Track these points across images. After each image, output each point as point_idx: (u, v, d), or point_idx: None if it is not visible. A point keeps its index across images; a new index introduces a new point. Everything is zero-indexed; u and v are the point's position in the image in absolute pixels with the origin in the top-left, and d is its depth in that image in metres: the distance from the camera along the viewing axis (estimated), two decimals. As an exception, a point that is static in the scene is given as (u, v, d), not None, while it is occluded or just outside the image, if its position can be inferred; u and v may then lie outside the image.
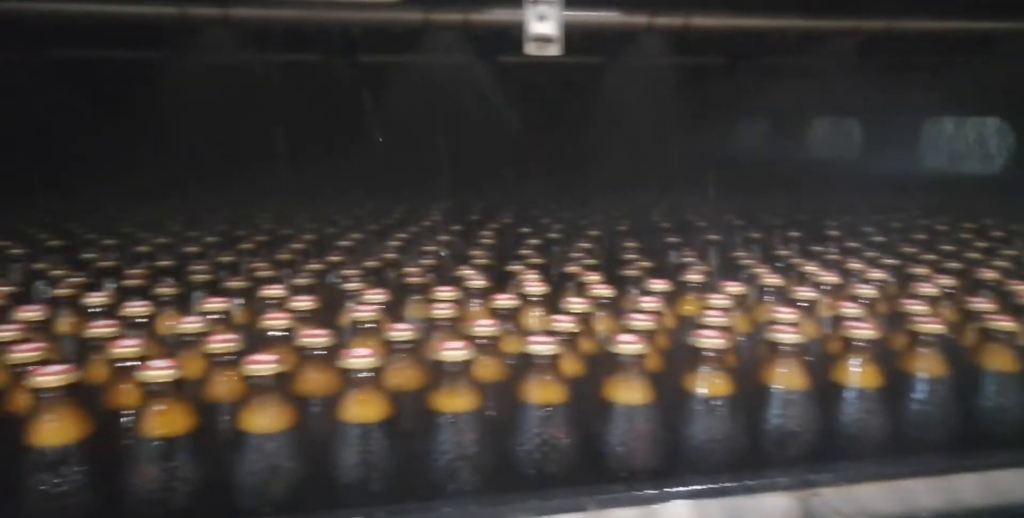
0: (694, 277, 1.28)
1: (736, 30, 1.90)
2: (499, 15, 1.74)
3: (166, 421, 0.79)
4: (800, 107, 2.68)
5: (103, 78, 2.13)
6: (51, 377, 0.77)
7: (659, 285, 1.23)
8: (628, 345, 0.88)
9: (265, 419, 0.81)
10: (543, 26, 1.32)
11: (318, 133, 2.32)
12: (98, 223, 1.98)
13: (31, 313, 1.01)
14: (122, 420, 0.85)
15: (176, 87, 2.04)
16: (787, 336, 0.92)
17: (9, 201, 2.09)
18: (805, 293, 1.16)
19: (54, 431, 0.78)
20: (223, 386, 0.89)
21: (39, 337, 0.95)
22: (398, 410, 0.86)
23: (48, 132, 2.09)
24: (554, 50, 1.39)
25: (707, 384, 0.90)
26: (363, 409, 0.83)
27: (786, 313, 1.02)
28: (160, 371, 0.79)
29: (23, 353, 0.84)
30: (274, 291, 1.22)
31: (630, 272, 1.39)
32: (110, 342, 0.89)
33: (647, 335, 0.94)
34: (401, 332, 0.94)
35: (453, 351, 0.86)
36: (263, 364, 0.81)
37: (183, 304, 1.28)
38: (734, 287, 1.23)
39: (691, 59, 2.22)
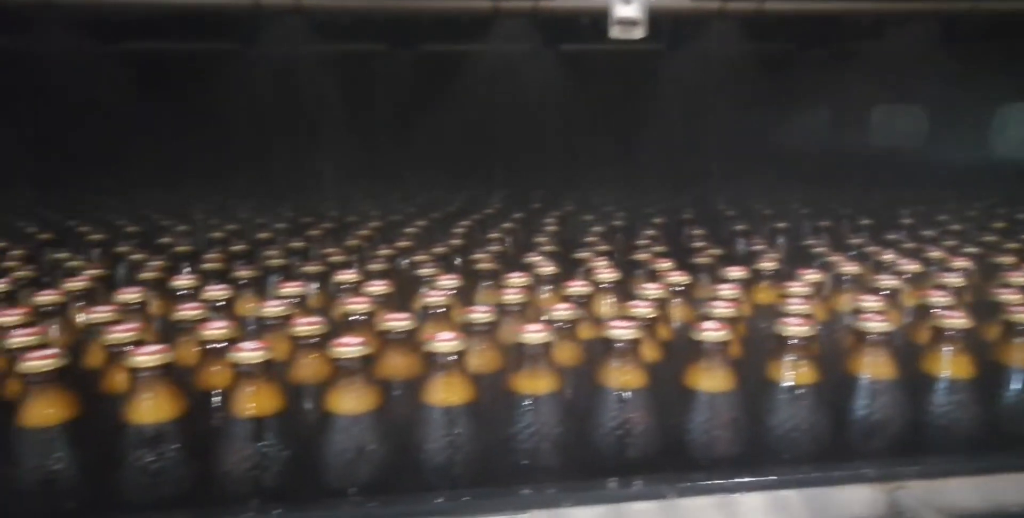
0: (768, 265, 1.26)
1: (811, 14, 1.86)
2: (569, 2, 1.73)
3: (256, 401, 0.81)
4: (869, 94, 2.60)
5: (177, 68, 2.18)
6: (149, 357, 0.80)
7: (736, 272, 1.21)
8: (712, 332, 0.87)
9: (351, 401, 0.82)
10: (628, 9, 1.30)
11: (381, 123, 2.33)
12: (169, 209, 2.04)
13: (127, 295, 1.04)
14: (212, 400, 0.87)
15: (246, 77, 2.08)
16: (876, 324, 0.89)
17: (84, 187, 2.16)
18: (888, 281, 1.13)
19: (150, 409, 0.80)
20: (307, 368, 0.91)
21: (134, 319, 0.98)
22: (479, 393, 0.87)
23: (123, 121, 2.15)
24: (639, 33, 1.37)
25: (792, 372, 0.88)
26: (448, 392, 0.83)
27: (872, 301, 0.99)
28: (251, 353, 0.80)
29: (121, 334, 0.87)
30: (349, 276, 1.23)
31: (702, 259, 1.38)
32: (199, 324, 0.92)
33: (728, 322, 0.93)
34: (480, 315, 0.95)
35: (535, 333, 0.86)
36: (351, 347, 0.82)
37: (259, 288, 1.31)
38: (811, 275, 1.21)
39: (759, 46, 2.17)
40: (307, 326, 0.90)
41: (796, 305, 0.99)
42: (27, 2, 1.61)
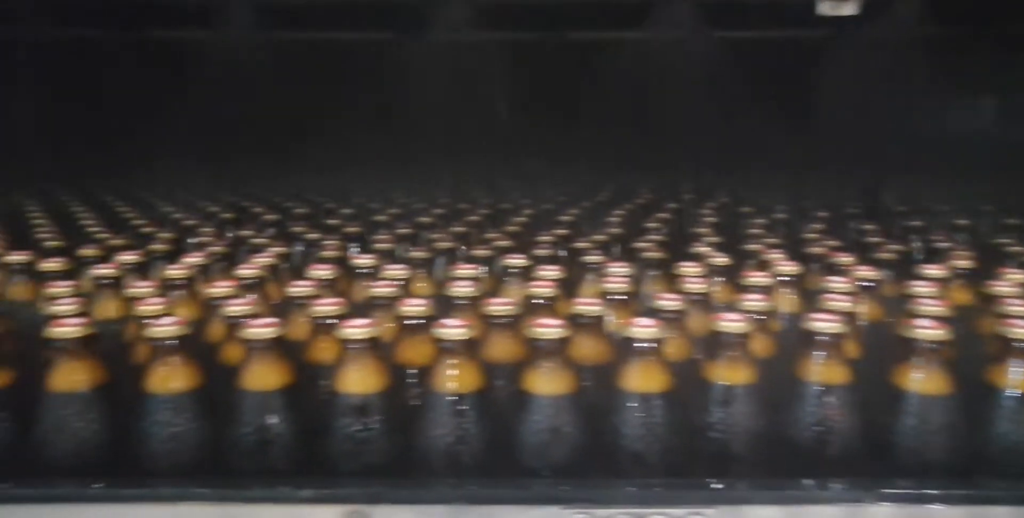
0: (963, 263, 1.19)
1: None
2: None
3: (457, 378, 0.83)
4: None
5: (342, 57, 2.26)
6: (358, 330, 0.83)
7: (934, 270, 1.14)
8: (929, 330, 0.82)
9: (549, 382, 0.83)
10: (840, -15, 1.24)
11: (531, 112, 2.34)
12: (333, 193, 2.13)
13: (322, 272, 1.09)
14: (411, 375, 0.90)
15: (409, 66, 2.14)
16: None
17: (255, 172, 2.28)
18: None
19: (358, 380, 0.83)
20: (498, 347, 0.92)
21: (329, 293, 1.02)
22: (673, 381, 0.85)
23: (289, 109, 2.26)
24: (850, 9, 1.31)
25: (1020, 378, 0.82)
26: (645, 379, 0.82)
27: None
28: (456, 330, 0.82)
29: (327, 307, 0.90)
30: (518, 260, 1.24)
31: (884, 255, 1.32)
32: (398, 301, 0.95)
33: (939, 321, 0.87)
34: (670, 302, 0.93)
35: (734, 322, 0.84)
36: (551, 328, 0.82)
37: (429, 269, 1.34)
38: (1016, 274, 1.12)
39: (934, 29, 2.04)
40: (501, 306, 0.91)
41: (1014, 306, 0.92)
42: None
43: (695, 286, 1.03)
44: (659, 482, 0.84)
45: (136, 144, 2.20)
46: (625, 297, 1.04)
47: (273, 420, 0.83)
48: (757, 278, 1.09)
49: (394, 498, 0.83)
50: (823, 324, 0.84)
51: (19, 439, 0.87)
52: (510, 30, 2.17)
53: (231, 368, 0.92)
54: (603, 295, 1.02)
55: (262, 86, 2.21)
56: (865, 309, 1.06)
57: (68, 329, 0.83)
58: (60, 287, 1.02)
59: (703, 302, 1.02)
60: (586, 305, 0.92)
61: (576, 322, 0.91)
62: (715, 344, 0.85)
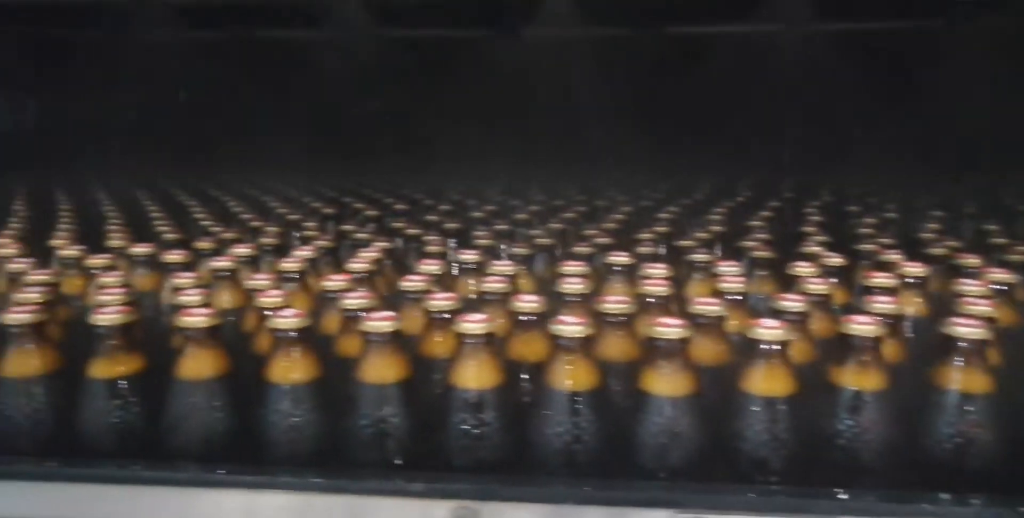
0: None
1: None
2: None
3: (575, 376, 0.82)
4: None
5: (438, 56, 2.28)
6: (476, 325, 0.82)
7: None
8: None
9: (668, 383, 0.81)
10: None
11: (627, 109, 2.31)
12: (425, 189, 2.15)
13: (432, 267, 1.10)
14: (525, 371, 0.89)
15: (499, 63, 2.15)
16: None
17: (352, 169, 2.33)
18: None
19: (474, 376, 0.83)
20: (614, 346, 0.90)
21: (442, 288, 1.03)
22: (798, 385, 0.82)
23: (372, 106, 2.30)
24: None
25: None
26: (770, 382, 0.79)
27: None
28: (575, 327, 0.81)
29: (442, 302, 0.91)
30: (621, 258, 1.22)
31: (1014, 258, 1.24)
32: (509, 297, 0.94)
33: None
34: (794, 304, 0.89)
35: (866, 326, 0.80)
36: (671, 328, 0.80)
37: (530, 265, 1.33)
38: None
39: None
40: (616, 304, 0.89)
41: None
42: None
43: (815, 287, 0.99)
44: (781, 490, 0.80)
45: (244, 141, 2.28)
46: (741, 297, 1.00)
47: (388, 413, 0.84)
48: (881, 279, 1.04)
49: (505, 495, 0.82)
50: (966, 330, 0.79)
51: (148, 424, 0.90)
52: (609, 26, 2.15)
53: (346, 360, 0.93)
54: (718, 295, 0.99)
55: (362, 85, 2.25)
56: (1000, 314, 1.00)
57: (197, 319, 0.86)
58: (185, 278, 1.05)
59: (824, 304, 0.98)
60: (706, 305, 0.89)
61: (694, 322, 0.88)
62: (844, 348, 0.81)
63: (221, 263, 1.14)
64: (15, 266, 1.13)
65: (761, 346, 0.79)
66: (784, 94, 2.23)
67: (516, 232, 1.61)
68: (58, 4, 2.06)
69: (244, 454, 0.89)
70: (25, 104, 2.67)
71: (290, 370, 0.85)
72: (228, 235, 1.47)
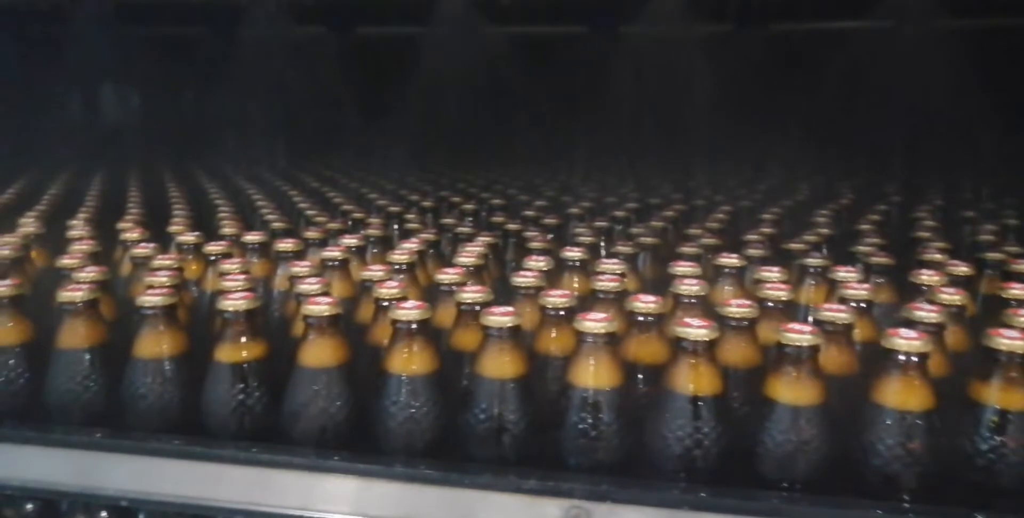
0: None
1: None
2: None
3: (698, 380, 0.80)
4: None
5: (542, 51, 2.28)
6: (597, 323, 0.81)
7: None
8: None
9: (795, 391, 0.78)
10: None
11: (725, 107, 2.26)
12: (519, 184, 2.15)
13: (540, 263, 1.09)
14: (642, 372, 0.88)
15: (596, 61, 2.13)
16: None
17: (450, 163, 2.35)
18: None
19: (592, 375, 0.82)
20: (734, 351, 0.88)
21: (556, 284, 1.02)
22: (936, 398, 0.78)
23: (488, 103, 2.31)
24: None
25: None
26: (909, 395, 0.76)
27: None
28: (701, 330, 0.79)
29: (559, 299, 0.90)
30: (731, 260, 1.19)
31: None
32: (625, 296, 0.93)
33: None
34: (928, 314, 0.85)
35: (1014, 341, 0.76)
36: (801, 334, 0.78)
37: (633, 264, 1.31)
38: None
39: None
40: (739, 308, 0.87)
41: None
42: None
43: (949, 297, 0.94)
44: (912, 508, 0.77)
45: (347, 135, 2.33)
46: (864, 305, 0.96)
47: (504, 408, 0.84)
48: (1020, 291, 0.99)
49: (619, 497, 0.81)
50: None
51: (268, 408, 0.93)
52: (709, 24, 2.11)
53: (457, 353, 0.94)
54: (843, 301, 0.96)
55: (462, 82, 2.27)
56: None
57: (321, 307, 0.87)
58: (302, 266, 1.07)
59: (958, 315, 0.93)
60: (833, 312, 0.86)
61: (822, 329, 0.85)
62: (988, 363, 0.77)
63: (333, 253, 1.16)
64: (141, 251, 1.18)
65: (898, 357, 0.75)
66: (892, 93, 2.14)
67: (613, 229, 1.59)
68: (175, 3, 2.15)
69: (359, 442, 0.91)
70: (130, 98, 2.80)
71: (410, 361, 0.86)
72: (333, 226, 1.50)
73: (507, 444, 0.85)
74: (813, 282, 1.17)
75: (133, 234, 1.32)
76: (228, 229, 1.41)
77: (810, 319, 0.94)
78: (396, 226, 1.58)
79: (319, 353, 0.88)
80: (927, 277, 1.06)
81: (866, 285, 1.00)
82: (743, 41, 2.23)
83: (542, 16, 2.13)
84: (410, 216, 1.64)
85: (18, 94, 2.57)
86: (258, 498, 0.91)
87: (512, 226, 1.55)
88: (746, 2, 2.03)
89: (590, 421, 0.82)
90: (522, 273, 1.02)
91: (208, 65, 2.44)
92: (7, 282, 0.98)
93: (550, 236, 1.52)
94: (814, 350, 0.78)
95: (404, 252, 1.16)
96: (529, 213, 1.73)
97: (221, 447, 0.90)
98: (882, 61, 2.10)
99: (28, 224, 1.46)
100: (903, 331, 0.77)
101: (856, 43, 2.10)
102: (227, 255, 1.20)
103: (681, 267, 1.10)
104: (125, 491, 0.94)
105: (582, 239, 1.40)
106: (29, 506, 1.08)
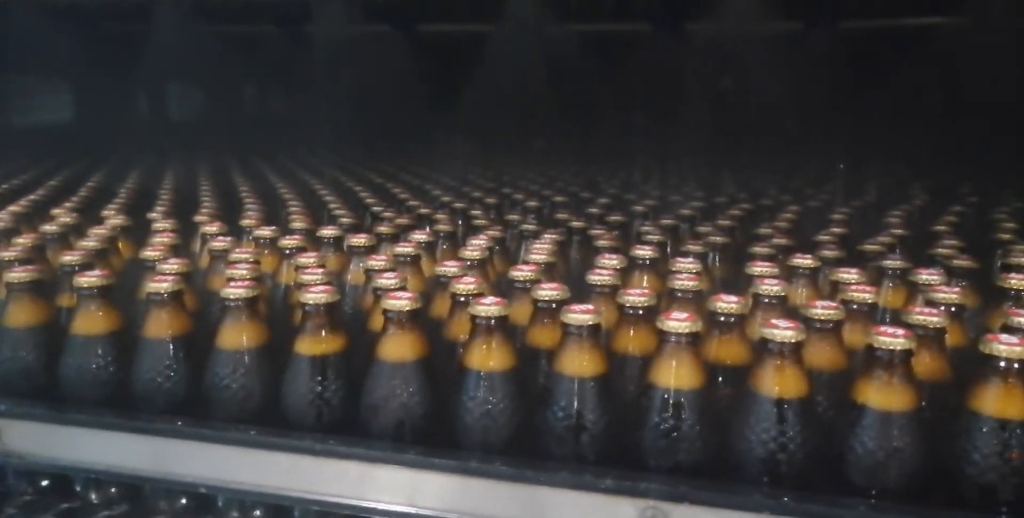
0: None
1: None
2: None
3: (783, 382, 0.78)
4: None
5: (614, 47, 2.27)
6: (681, 323, 0.81)
7: None
8: None
9: (889, 396, 0.76)
10: None
11: (795, 106, 2.22)
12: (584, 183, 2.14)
13: (614, 261, 1.09)
14: (723, 373, 0.87)
15: (662, 58, 2.11)
16: None
17: (506, 160, 2.35)
18: None
19: (674, 375, 0.81)
20: (820, 355, 0.86)
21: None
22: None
23: (535, 101, 2.31)
24: None
25: None
26: (1010, 403, 0.73)
27: None
28: (787, 331, 0.77)
29: (638, 298, 0.89)
30: (805, 261, 1.16)
31: None
32: (702, 296, 0.92)
33: None
34: (1025, 320, 0.82)
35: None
36: (896, 338, 0.75)
37: (704, 262, 1.30)
38: None
39: None
40: (824, 310, 0.85)
41: None
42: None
43: (1042, 301, 0.91)
44: (1007, 518, 0.74)
45: (410, 132, 2.34)
46: (954, 309, 0.93)
47: (585, 407, 0.83)
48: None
49: (698, 499, 0.80)
50: None
51: (345, 401, 0.94)
52: (778, 21, 2.07)
53: (534, 350, 0.93)
54: (931, 305, 0.93)
55: (523, 77, 2.27)
56: None
57: (400, 302, 0.88)
58: (378, 261, 1.08)
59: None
60: (926, 315, 0.83)
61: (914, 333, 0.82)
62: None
63: (406, 248, 1.17)
64: (219, 244, 1.20)
65: (1000, 364, 0.73)
66: (966, 91, 2.07)
67: (680, 227, 1.57)
68: (247, 2, 2.19)
69: (436, 436, 0.91)
70: (200, 95, 2.87)
71: (488, 357, 0.86)
72: (401, 221, 1.51)
73: (585, 443, 0.85)
74: (891, 284, 1.14)
75: (212, 228, 1.34)
76: (298, 223, 1.43)
77: (897, 322, 0.92)
78: (460, 222, 1.59)
79: (398, 348, 0.89)
80: (1017, 281, 1.03)
81: (955, 289, 0.96)
82: (812, 38, 2.17)
83: (607, 13, 2.11)
84: (475, 212, 1.64)
85: (95, 91, 2.66)
86: (332, 489, 0.92)
87: (576, 223, 1.54)
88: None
89: (672, 422, 0.81)
90: (598, 271, 1.01)
91: (275, 63, 2.48)
92: (96, 273, 1.01)
93: (615, 233, 1.51)
94: (908, 354, 0.75)
95: (476, 248, 1.17)
96: (593, 210, 1.72)
97: (299, 438, 0.91)
98: (956, 59, 2.03)
99: (113, 216, 1.50)
100: (1004, 337, 0.74)
101: (929, 40, 2.03)
102: (302, 249, 1.22)
103: (759, 267, 1.08)
104: (204, 478, 0.96)
105: (650, 237, 1.39)
106: (112, 490, 1.12)
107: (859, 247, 1.36)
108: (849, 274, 1.05)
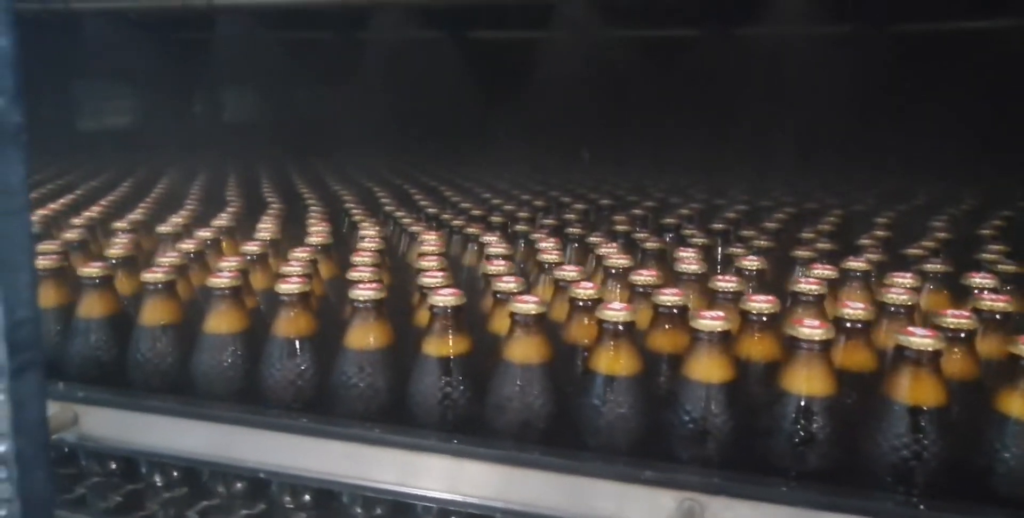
0: None
1: None
2: None
3: (809, 379, 0.81)
4: None
5: (663, 51, 2.29)
6: (715, 323, 0.84)
7: None
8: None
9: (917, 394, 0.78)
10: None
11: (841, 110, 2.21)
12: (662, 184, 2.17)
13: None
14: (758, 370, 0.90)
15: (711, 63, 2.12)
16: None
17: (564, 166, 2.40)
18: None
19: (707, 371, 0.84)
20: (857, 353, 0.88)
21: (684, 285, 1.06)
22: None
23: (583, 105, 2.34)
24: None
25: None
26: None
27: None
28: (816, 330, 0.80)
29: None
30: (860, 264, 1.17)
31: None
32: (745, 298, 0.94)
33: None
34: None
35: None
36: (925, 339, 0.77)
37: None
38: None
39: None
40: (954, 318, 0.86)
41: None
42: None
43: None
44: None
45: (461, 135, 2.40)
46: (998, 315, 0.94)
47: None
48: None
49: (735, 492, 0.81)
50: None
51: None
52: (828, 24, 2.06)
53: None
54: (974, 310, 0.94)
55: (571, 82, 2.30)
56: None
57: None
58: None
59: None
60: (958, 318, 0.85)
61: (946, 337, 0.84)
62: None
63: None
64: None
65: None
66: (1017, 96, 2.04)
67: (728, 230, 1.59)
68: (305, 9, 2.26)
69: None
70: (259, 99, 2.96)
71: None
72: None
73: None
74: (932, 287, 1.15)
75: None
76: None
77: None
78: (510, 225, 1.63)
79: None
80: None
81: (1004, 297, 0.97)
82: (862, 42, 2.17)
83: (657, 18, 2.13)
84: (522, 215, 1.68)
85: (159, 96, 2.77)
86: (381, 476, 0.95)
87: (622, 227, 1.57)
88: (866, 2, 1.98)
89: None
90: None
91: (331, 68, 2.55)
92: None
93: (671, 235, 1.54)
94: (936, 355, 0.77)
95: (550, 252, 1.20)
96: (638, 212, 1.74)
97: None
98: (1006, 63, 2.01)
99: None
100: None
101: (978, 44, 2.01)
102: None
103: (817, 270, 1.09)
104: (262, 463, 0.99)
105: (695, 241, 1.41)
106: (174, 474, 1.17)
107: (900, 251, 1.36)
108: (902, 279, 1.06)
